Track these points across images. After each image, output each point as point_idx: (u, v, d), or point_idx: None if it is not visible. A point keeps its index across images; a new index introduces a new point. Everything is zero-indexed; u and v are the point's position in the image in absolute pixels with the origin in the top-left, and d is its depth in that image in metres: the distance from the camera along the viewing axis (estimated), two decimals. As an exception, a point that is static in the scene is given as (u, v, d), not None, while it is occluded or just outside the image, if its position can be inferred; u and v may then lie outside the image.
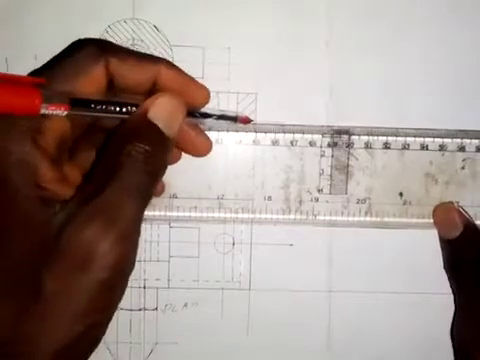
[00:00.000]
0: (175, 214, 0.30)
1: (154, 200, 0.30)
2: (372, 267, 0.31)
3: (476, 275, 0.27)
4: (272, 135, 0.30)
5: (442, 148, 0.30)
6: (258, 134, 0.30)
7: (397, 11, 0.29)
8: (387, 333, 0.31)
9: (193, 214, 0.30)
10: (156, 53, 0.29)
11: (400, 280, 0.31)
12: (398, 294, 0.31)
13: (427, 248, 0.29)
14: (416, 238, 0.30)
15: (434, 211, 0.29)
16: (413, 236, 0.30)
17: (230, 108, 0.30)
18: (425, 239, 0.29)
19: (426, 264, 0.29)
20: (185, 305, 0.31)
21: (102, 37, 0.29)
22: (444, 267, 0.28)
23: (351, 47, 0.29)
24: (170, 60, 0.29)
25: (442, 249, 0.28)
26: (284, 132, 0.30)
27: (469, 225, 0.28)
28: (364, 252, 0.31)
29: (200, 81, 0.29)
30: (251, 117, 0.29)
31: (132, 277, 0.31)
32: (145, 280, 0.31)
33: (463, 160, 0.30)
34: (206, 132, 0.28)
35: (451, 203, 0.29)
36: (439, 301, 0.29)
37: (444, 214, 0.28)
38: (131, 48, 0.29)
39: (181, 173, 0.30)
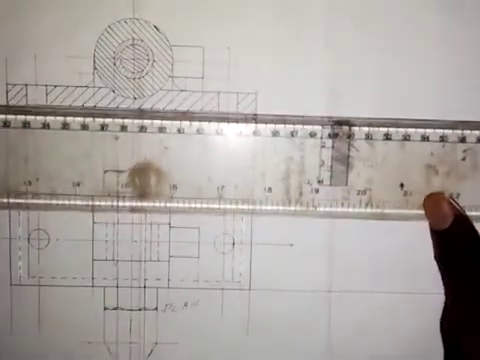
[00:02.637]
0: (175, 205, 0.30)
1: (154, 190, 0.30)
2: (372, 267, 0.31)
3: (466, 266, 0.27)
4: (272, 126, 0.30)
5: (443, 139, 0.30)
6: (258, 125, 0.30)
7: (398, 3, 0.29)
8: (387, 333, 0.31)
9: (193, 205, 0.30)
10: (156, 53, 0.29)
11: (400, 280, 0.31)
12: (398, 294, 0.31)
13: (428, 244, 0.28)
14: (417, 231, 0.29)
15: (424, 201, 0.29)
16: (414, 231, 0.30)
17: (230, 108, 0.30)
18: (426, 232, 0.29)
19: (427, 264, 0.29)
20: (185, 305, 0.31)
21: (102, 37, 0.29)
22: (434, 257, 0.28)
23: (352, 39, 0.29)
24: (170, 60, 0.29)
25: (432, 239, 0.28)
26: (284, 123, 0.29)
27: (459, 216, 0.27)
28: (364, 252, 0.31)
29: (200, 81, 0.29)
30: (251, 117, 0.30)
31: (132, 277, 0.31)
32: (145, 280, 0.31)
33: (464, 151, 0.30)
34: (206, 123, 0.28)
35: (441, 193, 0.29)
36: (439, 301, 0.29)
37: (434, 204, 0.28)
38: (131, 48, 0.29)
39: (181, 164, 0.30)
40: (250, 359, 0.32)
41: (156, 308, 0.31)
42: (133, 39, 0.29)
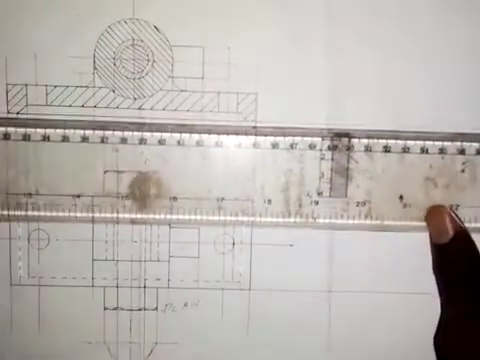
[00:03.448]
0: (175, 217, 0.30)
1: (154, 203, 0.30)
2: (372, 267, 0.31)
3: (463, 282, 0.27)
4: (272, 138, 0.30)
5: (442, 151, 0.30)
6: (258, 137, 0.30)
7: (397, 11, 0.29)
8: (387, 333, 0.31)
9: (193, 217, 0.30)
10: (156, 53, 0.29)
11: (400, 280, 0.31)
12: (398, 294, 0.31)
13: (427, 250, 0.29)
14: (416, 240, 0.30)
15: (426, 214, 0.29)
16: (413, 238, 0.30)
17: (230, 108, 0.30)
18: (425, 241, 0.29)
19: (426, 265, 0.29)
20: (185, 305, 0.31)
21: (102, 37, 0.29)
22: (433, 270, 0.28)
23: (351, 48, 0.29)
24: (170, 60, 0.29)
25: (432, 252, 0.28)
26: (284, 135, 0.29)
27: (460, 231, 0.27)
28: (364, 252, 0.31)
29: (200, 81, 0.29)
30: (251, 117, 0.30)
31: (132, 277, 0.31)
32: (145, 280, 0.31)
33: (463, 163, 0.30)
34: (206, 135, 0.28)
35: (443, 206, 0.29)
36: (439, 301, 0.29)
37: (435, 218, 0.28)
38: (131, 48, 0.29)
39: (181, 176, 0.30)
40: (250, 359, 0.32)
41: (156, 308, 0.31)
42: (133, 39, 0.29)
